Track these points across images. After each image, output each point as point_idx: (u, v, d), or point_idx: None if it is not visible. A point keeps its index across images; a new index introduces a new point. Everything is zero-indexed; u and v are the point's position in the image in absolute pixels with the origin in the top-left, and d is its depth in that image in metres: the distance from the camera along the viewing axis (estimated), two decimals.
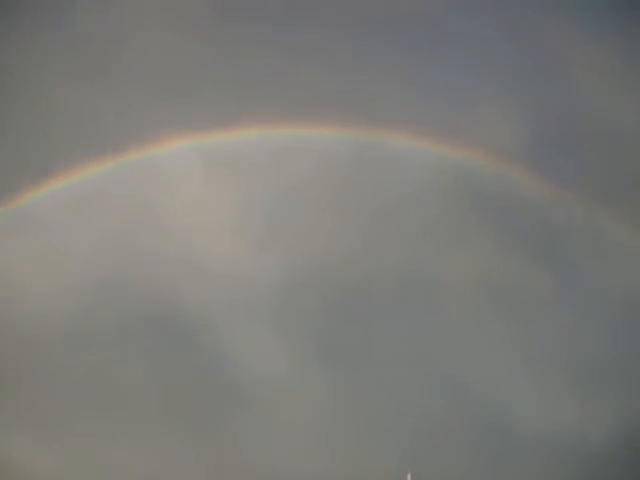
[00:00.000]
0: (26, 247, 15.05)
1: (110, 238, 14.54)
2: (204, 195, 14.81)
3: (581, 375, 21.65)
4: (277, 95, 14.14)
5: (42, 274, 14.60)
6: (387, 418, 16.59)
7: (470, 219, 21.36)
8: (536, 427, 18.75)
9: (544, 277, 22.00)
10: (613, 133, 20.04)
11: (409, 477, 11.06)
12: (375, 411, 16.61)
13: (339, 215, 15.74)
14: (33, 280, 14.91)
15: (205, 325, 14.83)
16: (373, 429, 16.41)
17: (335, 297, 17.69)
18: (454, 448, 17.38)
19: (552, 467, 18.49)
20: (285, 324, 16.70)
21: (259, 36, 15.06)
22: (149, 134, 13.22)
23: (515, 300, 21.91)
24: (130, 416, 15.11)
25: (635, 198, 21.04)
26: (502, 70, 17.83)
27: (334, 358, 17.49)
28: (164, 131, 13.82)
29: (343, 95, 15.75)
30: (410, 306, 19.12)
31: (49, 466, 14.11)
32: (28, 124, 14.81)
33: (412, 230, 20.34)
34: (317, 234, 16.19)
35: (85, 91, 14.09)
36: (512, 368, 20.45)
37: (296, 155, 15.43)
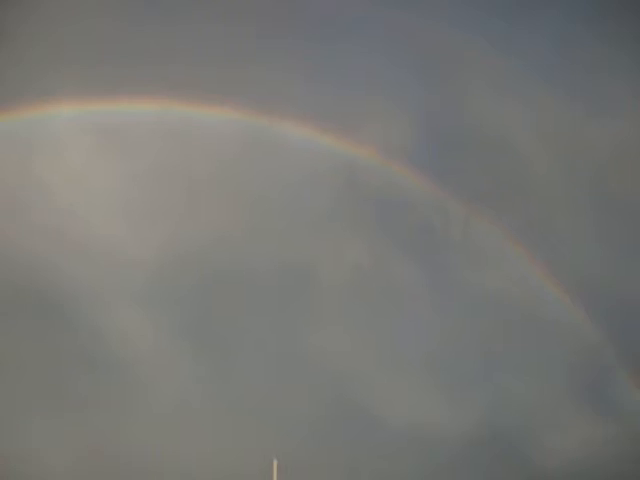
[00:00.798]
0: None
1: None
2: (88, 166, 14.19)
3: (448, 371, 22.67)
4: (176, 72, 13.74)
5: None
6: (254, 404, 16.73)
7: (351, 212, 21.68)
8: (402, 421, 19.58)
9: (417, 274, 22.79)
10: (495, 141, 20.86)
11: (275, 464, 11.28)
12: (242, 396, 16.71)
13: (222, 198, 15.56)
14: None
15: (77, 301, 14.32)
16: (239, 413, 16.52)
17: (209, 281, 17.50)
18: (321, 438, 17.83)
19: (417, 459, 19.39)
20: (156, 304, 16.38)
21: (167, 12, 14.55)
22: (39, 97, 12.50)
23: (387, 295, 22.57)
24: (4, 391, 14.47)
25: (510, 203, 22.05)
26: (397, 72, 18.10)
27: (204, 341, 17.37)
28: (55, 95, 13.10)
29: (242, 81, 15.52)
30: (283, 294, 19.24)
31: None
32: None
33: (292, 219, 20.42)
34: (198, 216, 15.92)
35: None
36: (380, 361, 21.15)
37: (187, 134, 15.05)
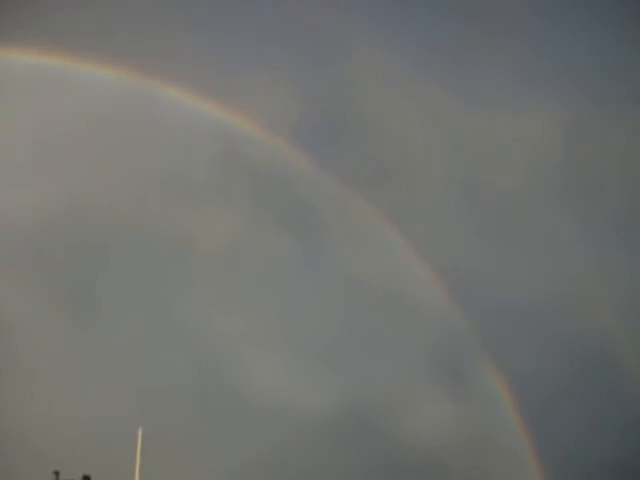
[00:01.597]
0: None
1: None
2: None
3: (314, 350, 23.01)
4: (57, 24, 13.16)
5: None
6: (122, 372, 16.42)
7: (228, 183, 21.54)
8: (267, 396, 19.76)
9: (290, 251, 23.01)
10: (377, 126, 21.39)
11: (140, 432, 11.17)
12: (111, 363, 16.37)
13: (97, 160, 15.09)
14: None
15: None
16: (106, 380, 16.17)
17: (83, 246, 16.94)
18: (187, 408, 17.77)
19: (280, 434, 19.64)
20: (26, 269, 15.73)
21: None
22: None
23: (259, 270, 22.70)
24: None
25: (388, 189, 22.62)
26: (289, 48, 18.14)
27: (75, 306, 16.87)
28: None
29: (129, 43, 15.06)
30: (156, 262, 18.94)
31: None
32: None
33: (169, 186, 20.06)
34: (71, 178, 15.34)
35: None
36: (249, 336, 21.21)
37: (63, 90, 14.38)
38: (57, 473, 12.48)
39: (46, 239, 15.00)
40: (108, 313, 16.33)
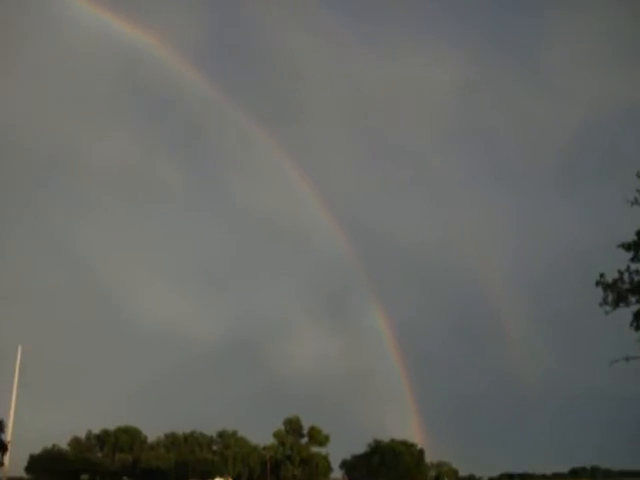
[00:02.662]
0: None
1: None
2: None
3: (200, 279, 25.61)
4: None
5: None
6: (10, 290, 17.88)
7: (124, 101, 23.22)
8: (152, 320, 22.37)
9: (181, 175, 25.45)
10: (284, 66, 22.68)
11: (20, 348, 11.36)
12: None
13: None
14: None
15: None
16: None
17: None
18: (70, 326, 19.13)
19: (170, 361, 22.09)
20: None
21: None
22: None
23: (151, 192, 24.91)
24: None
25: (287, 121, 24.28)
26: None
27: None
28: None
29: None
30: (41, 176, 20.49)
31: None
32: None
33: (63, 99, 21.35)
34: None
35: None
36: (135, 257, 23.36)
37: None
38: None
39: None
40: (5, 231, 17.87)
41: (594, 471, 66.99)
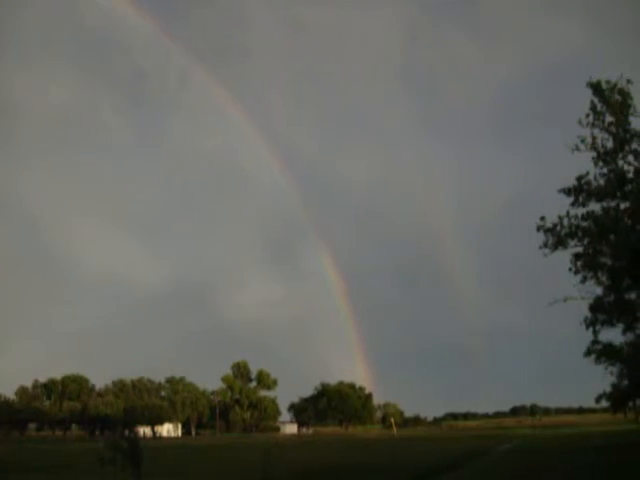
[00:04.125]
0: None
1: None
2: None
3: (145, 223, 25.98)
4: None
5: None
6: None
7: (65, 45, 23.30)
8: (98, 267, 23.00)
9: (127, 121, 25.66)
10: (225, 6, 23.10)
11: None
12: None
13: None
14: None
15: None
16: None
17: None
18: (21, 277, 19.75)
19: (115, 305, 22.72)
20: None
21: None
22: None
23: (92, 139, 25.14)
24: None
25: (229, 62, 24.06)
26: None
27: None
28: None
29: None
30: None
31: None
32: None
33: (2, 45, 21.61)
34: None
35: None
36: (79, 207, 23.78)
37: None
38: None
39: None
40: None
41: (533, 409, 70.04)
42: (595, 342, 14.61)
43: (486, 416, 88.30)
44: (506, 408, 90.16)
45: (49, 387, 58.68)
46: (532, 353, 77.29)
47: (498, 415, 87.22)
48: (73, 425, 59.69)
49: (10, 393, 57.51)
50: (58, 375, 59.10)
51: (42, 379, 59.09)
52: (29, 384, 58.86)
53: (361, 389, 65.84)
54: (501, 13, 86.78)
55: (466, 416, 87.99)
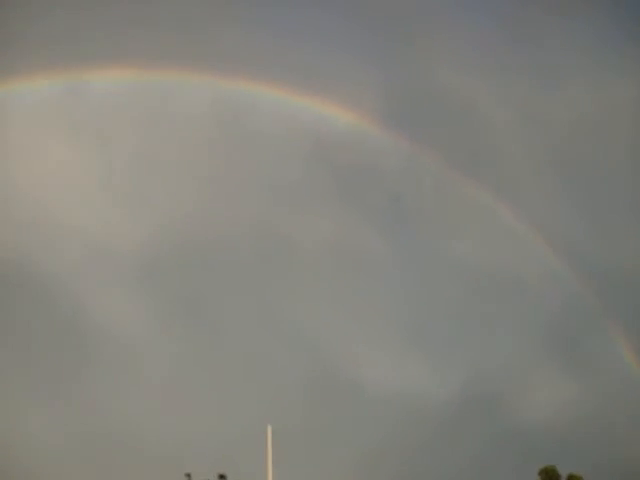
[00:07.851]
0: None
1: None
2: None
3: (427, 337, 22.70)
4: None
5: None
6: (242, 375, 16.94)
7: (321, 181, 21.61)
8: (384, 387, 19.87)
9: (389, 244, 22.78)
10: None
11: (269, 429, 11.69)
12: (230, 368, 16.93)
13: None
14: None
15: (67, 285, 14.47)
16: (228, 384, 16.71)
17: (192, 261, 17.54)
18: (309, 404, 18.12)
19: (401, 425, 19.70)
20: (143, 286, 16.45)
21: None
22: None
23: (364, 265, 22.58)
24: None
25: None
26: None
27: (190, 317, 17.44)
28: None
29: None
30: (262, 266, 19.32)
31: None
32: None
33: (266, 189, 20.21)
34: (176, 199, 16.18)
35: None
36: (360, 329, 21.31)
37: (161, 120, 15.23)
38: (189, 475, 13.03)
39: (155, 259, 15.55)
40: (222, 321, 16.76)
41: None
42: None
43: None
44: None
45: None
46: None
47: None
48: None
49: None
50: None
51: None
52: None
53: None
54: None
55: None
